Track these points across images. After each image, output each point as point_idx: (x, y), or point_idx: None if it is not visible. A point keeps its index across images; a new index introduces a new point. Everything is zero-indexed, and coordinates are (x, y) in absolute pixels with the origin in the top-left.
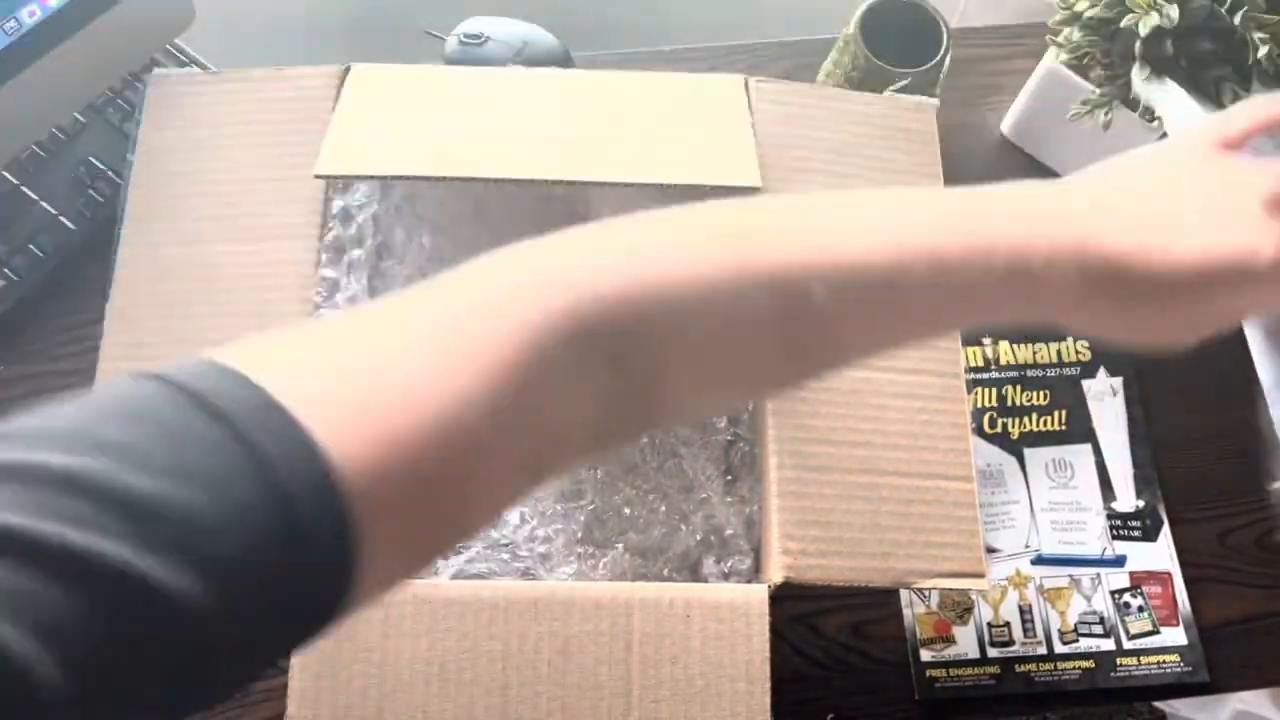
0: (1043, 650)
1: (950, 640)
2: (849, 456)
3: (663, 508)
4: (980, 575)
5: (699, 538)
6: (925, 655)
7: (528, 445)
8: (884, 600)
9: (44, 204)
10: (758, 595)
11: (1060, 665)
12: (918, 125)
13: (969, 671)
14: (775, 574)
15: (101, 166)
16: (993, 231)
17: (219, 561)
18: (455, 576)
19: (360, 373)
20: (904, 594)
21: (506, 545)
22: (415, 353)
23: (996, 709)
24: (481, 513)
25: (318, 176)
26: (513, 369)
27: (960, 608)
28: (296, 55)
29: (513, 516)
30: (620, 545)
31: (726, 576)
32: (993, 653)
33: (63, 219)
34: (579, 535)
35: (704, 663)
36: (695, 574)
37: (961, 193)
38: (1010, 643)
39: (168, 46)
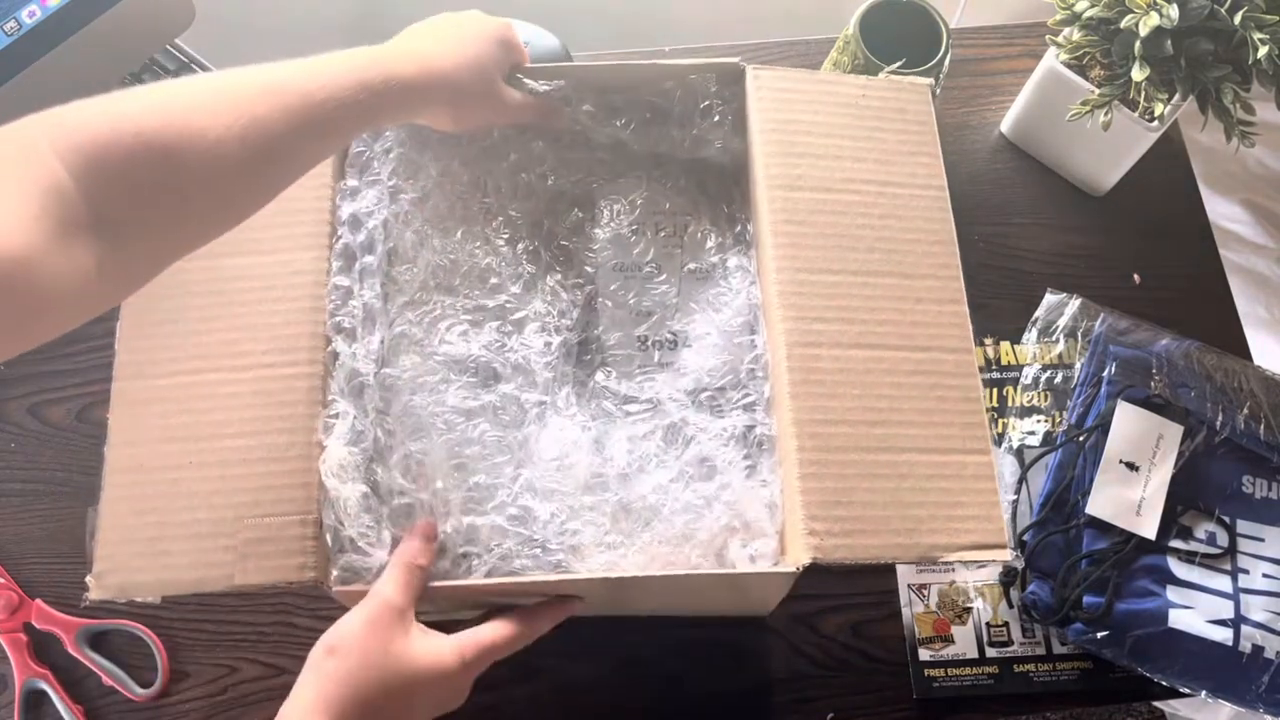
0: (1041, 650)
1: (949, 640)
2: (867, 435)
3: (686, 495)
4: (1003, 546)
5: (723, 523)
6: (924, 655)
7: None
8: (883, 600)
9: None
10: (786, 578)
11: (1059, 665)
12: (914, 105)
13: (967, 671)
14: (802, 555)
15: None
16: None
17: None
18: (489, 574)
19: None
20: (903, 593)
21: (537, 542)
22: None
23: (995, 709)
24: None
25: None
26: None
27: (959, 607)
28: (296, 55)
29: (541, 513)
30: (646, 534)
31: (752, 560)
32: (991, 653)
33: None
34: (606, 527)
35: None
36: (721, 559)
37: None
38: (1009, 643)
39: (168, 46)
